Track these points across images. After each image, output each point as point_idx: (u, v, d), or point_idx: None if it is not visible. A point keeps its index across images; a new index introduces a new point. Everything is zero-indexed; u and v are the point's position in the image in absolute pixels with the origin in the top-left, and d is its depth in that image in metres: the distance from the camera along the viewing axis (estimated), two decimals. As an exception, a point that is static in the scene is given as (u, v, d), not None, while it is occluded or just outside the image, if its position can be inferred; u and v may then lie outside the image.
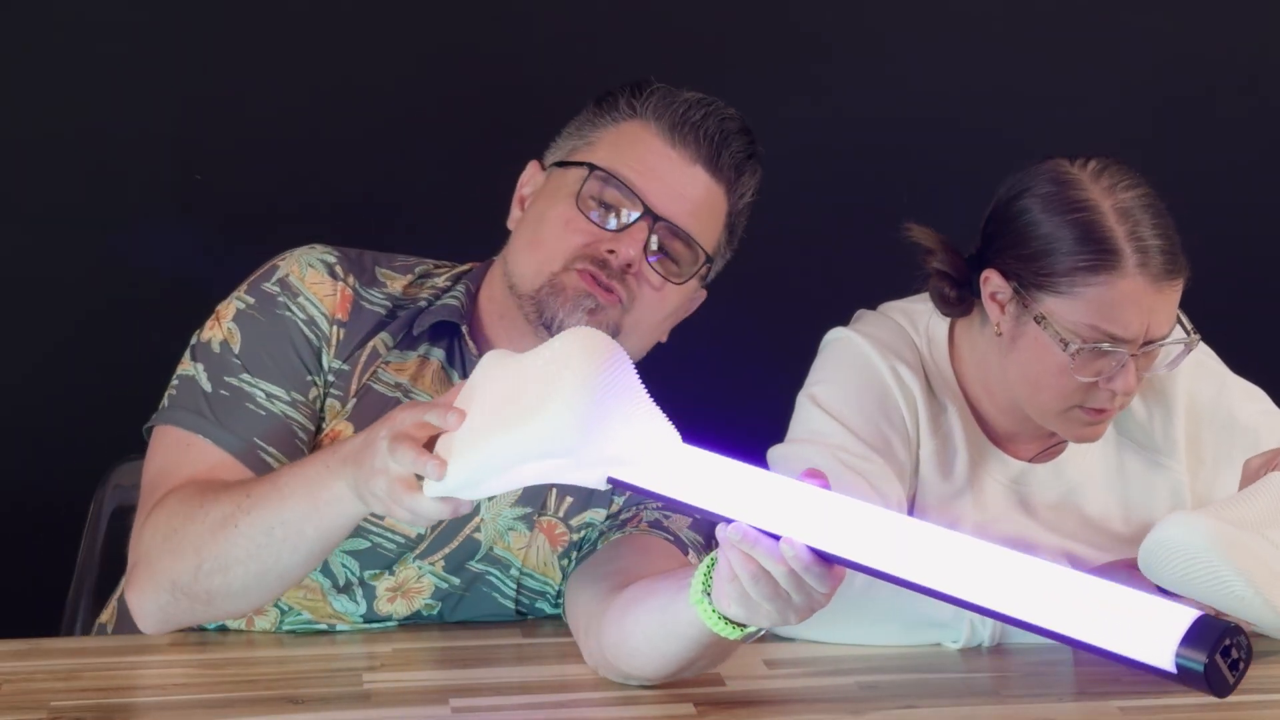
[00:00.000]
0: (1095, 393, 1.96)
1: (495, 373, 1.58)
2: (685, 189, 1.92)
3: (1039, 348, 1.97)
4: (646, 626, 1.70)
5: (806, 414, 2.08)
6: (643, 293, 1.91)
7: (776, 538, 1.46)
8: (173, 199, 2.64)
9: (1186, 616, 1.27)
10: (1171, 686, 1.70)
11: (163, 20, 2.61)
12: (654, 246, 1.90)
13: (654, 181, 1.91)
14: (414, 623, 1.96)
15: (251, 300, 1.94)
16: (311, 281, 1.95)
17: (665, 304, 1.94)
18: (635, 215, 1.90)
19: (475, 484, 1.56)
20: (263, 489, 1.74)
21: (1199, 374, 2.15)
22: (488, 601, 1.97)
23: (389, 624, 1.96)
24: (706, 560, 1.59)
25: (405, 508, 1.58)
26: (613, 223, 1.90)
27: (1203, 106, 2.86)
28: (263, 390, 1.89)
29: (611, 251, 1.88)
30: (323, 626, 1.94)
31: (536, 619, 1.99)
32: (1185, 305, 2.22)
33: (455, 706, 1.70)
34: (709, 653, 1.68)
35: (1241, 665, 1.27)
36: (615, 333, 1.89)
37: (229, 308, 1.94)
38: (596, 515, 1.96)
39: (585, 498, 1.96)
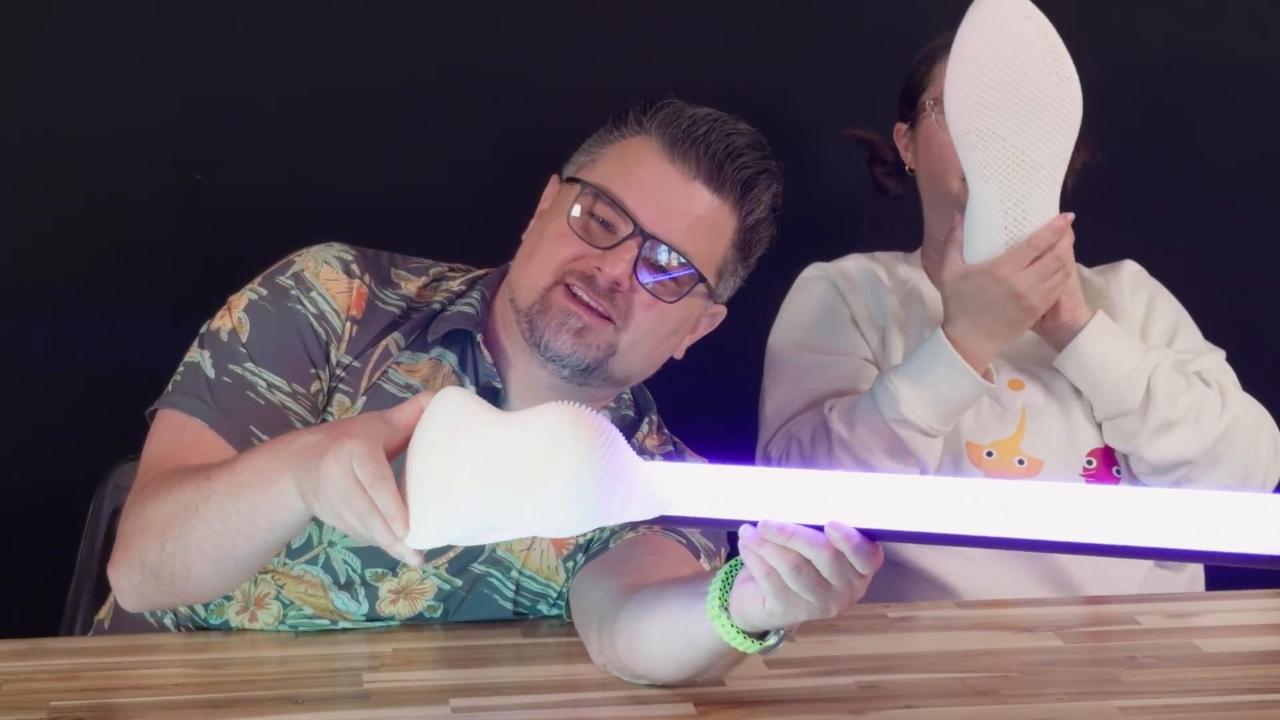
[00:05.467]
0: None
1: (463, 428, 1.52)
2: (681, 206, 1.91)
3: (930, 143, 2.33)
4: (661, 635, 1.71)
5: (769, 364, 2.43)
6: (637, 311, 1.90)
7: (818, 528, 1.48)
8: (173, 198, 2.66)
9: None
10: (1170, 685, 1.75)
11: (168, 22, 2.63)
12: (645, 264, 1.90)
13: (647, 199, 1.90)
14: (416, 623, 1.97)
15: (264, 292, 1.95)
16: (326, 278, 1.95)
17: (663, 322, 1.92)
18: (625, 234, 1.90)
19: (439, 539, 1.55)
20: (222, 476, 1.73)
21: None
22: (488, 603, 1.97)
23: (391, 623, 1.96)
24: (720, 575, 1.60)
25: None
26: (604, 240, 1.91)
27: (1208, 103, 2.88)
28: (264, 380, 1.90)
29: (599, 269, 1.89)
30: (325, 623, 1.95)
31: (536, 619, 1.99)
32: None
33: (455, 707, 1.70)
34: (724, 661, 1.69)
35: None
36: (611, 353, 1.90)
37: (241, 298, 1.95)
38: None
39: None
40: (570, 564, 1.98)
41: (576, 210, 1.91)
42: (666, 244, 1.89)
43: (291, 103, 2.68)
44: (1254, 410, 2.31)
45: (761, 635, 1.61)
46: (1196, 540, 1.34)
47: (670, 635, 1.69)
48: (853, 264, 2.45)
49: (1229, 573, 2.42)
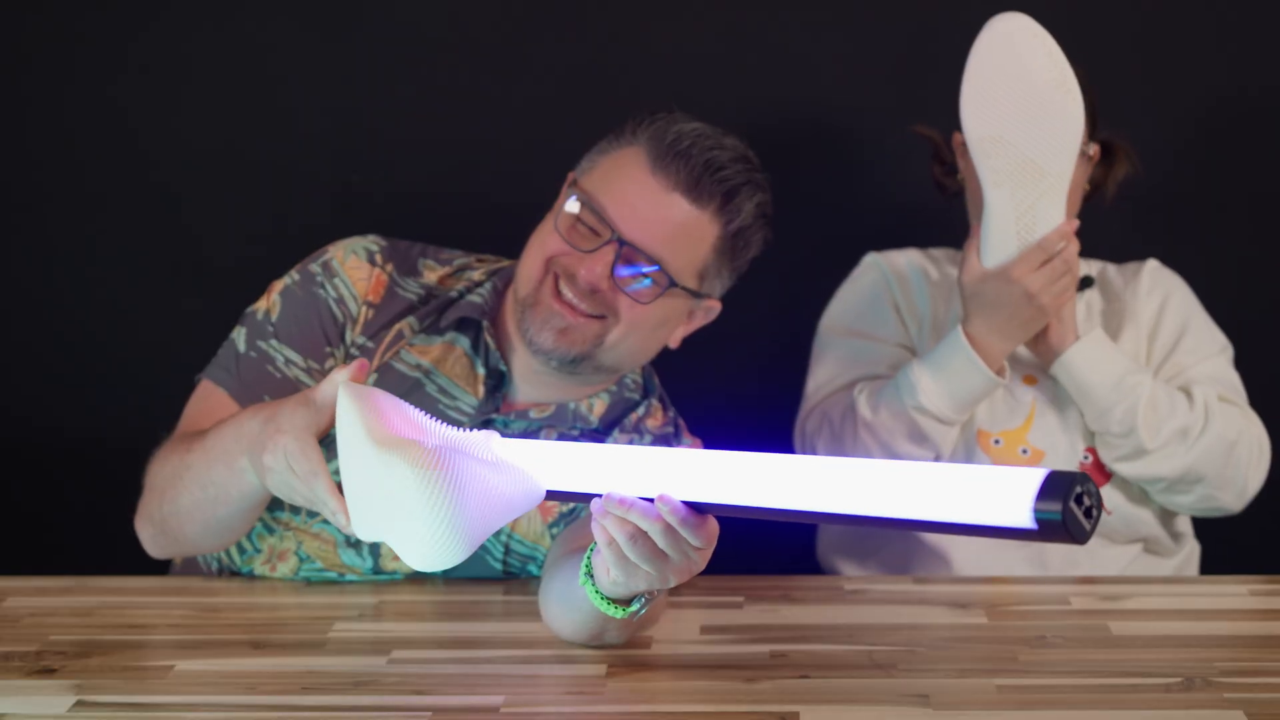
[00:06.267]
0: None
1: (355, 444, 1.64)
2: (659, 215, 2.04)
3: (971, 166, 2.28)
4: (559, 597, 1.87)
5: (816, 344, 2.56)
6: (622, 310, 2.05)
7: (651, 502, 1.61)
8: (331, 192, 2.91)
9: (1036, 475, 1.39)
10: (1059, 666, 1.82)
11: (327, 42, 2.87)
12: (624, 267, 2.04)
13: (627, 208, 2.04)
14: (419, 577, 2.15)
15: (297, 278, 2.16)
16: (351, 266, 2.15)
17: (645, 320, 2.06)
18: (605, 239, 2.04)
19: (372, 536, 1.69)
20: (198, 449, 1.95)
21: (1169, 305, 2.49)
22: (480, 563, 2.14)
23: (395, 576, 2.16)
24: (593, 544, 1.75)
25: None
26: (588, 243, 2.05)
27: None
28: (284, 355, 2.11)
29: (580, 270, 2.03)
30: (333, 575, 2.15)
31: (525, 579, 2.15)
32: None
33: (394, 658, 1.87)
34: (612, 625, 1.82)
35: (1095, 512, 1.39)
36: (597, 345, 2.05)
37: (280, 283, 2.17)
38: None
39: None
40: (555, 530, 2.14)
41: (565, 213, 2.07)
42: (642, 250, 2.04)
43: (432, 110, 2.88)
44: (1234, 423, 2.35)
45: (628, 601, 1.75)
46: (939, 512, 1.44)
47: (564, 598, 1.85)
48: (905, 258, 2.57)
49: (1223, 557, 2.48)
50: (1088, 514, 1.38)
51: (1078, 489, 1.37)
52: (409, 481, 1.57)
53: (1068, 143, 2.19)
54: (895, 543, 2.45)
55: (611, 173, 2.08)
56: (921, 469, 1.47)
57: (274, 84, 2.87)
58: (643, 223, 2.04)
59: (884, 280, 2.54)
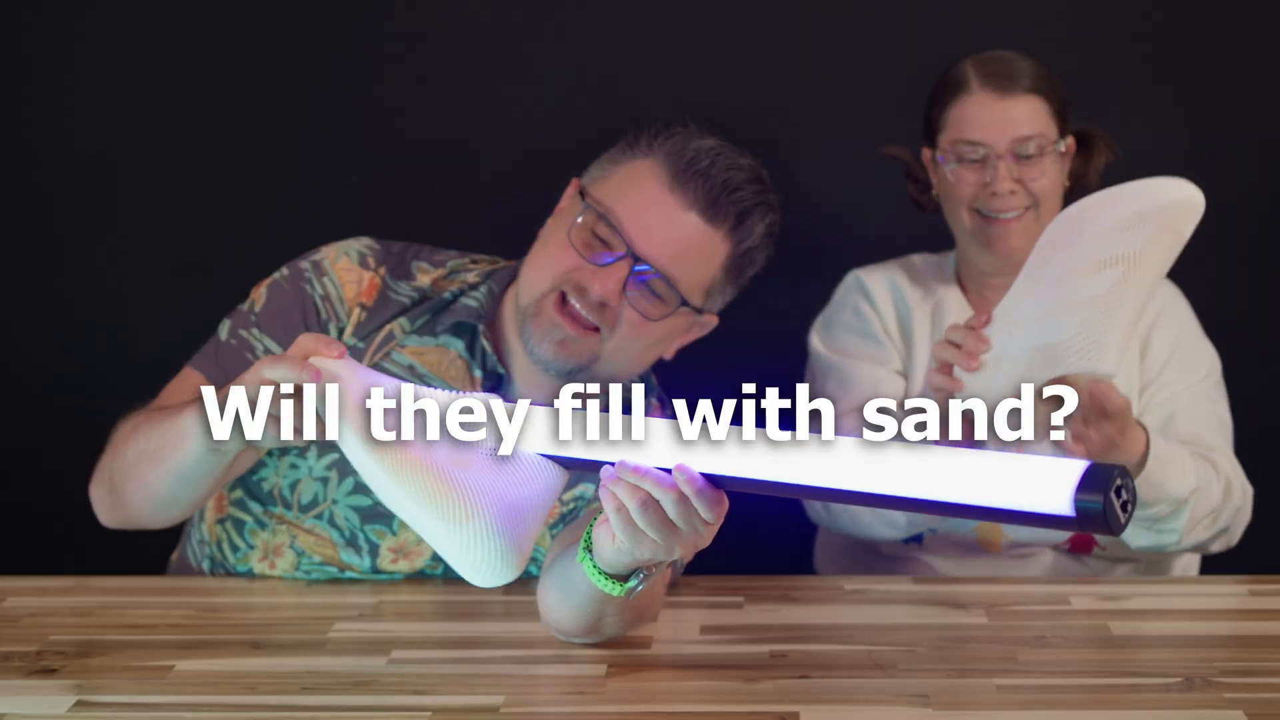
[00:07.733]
0: (983, 199, 2.34)
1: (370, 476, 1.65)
2: (674, 233, 2.04)
3: (944, 182, 2.38)
4: (557, 582, 1.86)
5: (812, 359, 2.53)
6: (624, 325, 2.05)
7: (667, 472, 1.59)
8: (330, 192, 2.90)
9: (1078, 465, 1.40)
10: (1059, 666, 1.82)
11: (328, 44, 2.88)
12: (635, 284, 2.04)
13: (642, 224, 2.04)
14: (419, 577, 2.15)
15: (286, 273, 2.17)
16: (342, 267, 2.16)
17: (647, 335, 2.07)
18: (618, 254, 2.04)
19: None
20: (167, 410, 1.95)
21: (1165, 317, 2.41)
22: (480, 562, 2.14)
23: (395, 577, 2.15)
24: (592, 520, 1.74)
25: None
26: (600, 256, 2.05)
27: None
28: (263, 345, 2.12)
29: (592, 284, 2.03)
30: (334, 570, 2.15)
31: (525, 578, 2.14)
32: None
33: (393, 658, 1.87)
34: (610, 608, 1.81)
35: (1130, 506, 1.41)
36: (594, 359, 2.06)
37: (270, 278, 2.18)
38: (587, 490, 2.12)
39: (576, 474, 2.12)
40: (555, 530, 2.14)
41: (579, 225, 2.06)
42: (656, 269, 2.04)
43: (432, 110, 2.88)
44: (1243, 488, 2.28)
45: (626, 577, 1.74)
46: (980, 497, 1.44)
47: (563, 582, 1.84)
48: (885, 277, 2.52)
49: (1223, 557, 2.48)
50: (1124, 507, 1.40)
51: (1118, 481, 1.39)
52: (439, 524, 1.61)
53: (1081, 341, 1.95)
54: (892, 564, 2.44)
55: (626, 185, 2.07)
56: (961, 454, 1.46)
57: (274, 83, 2.87)
58: (659, 240, 2.04)
59: (867, 302, 2.51)
